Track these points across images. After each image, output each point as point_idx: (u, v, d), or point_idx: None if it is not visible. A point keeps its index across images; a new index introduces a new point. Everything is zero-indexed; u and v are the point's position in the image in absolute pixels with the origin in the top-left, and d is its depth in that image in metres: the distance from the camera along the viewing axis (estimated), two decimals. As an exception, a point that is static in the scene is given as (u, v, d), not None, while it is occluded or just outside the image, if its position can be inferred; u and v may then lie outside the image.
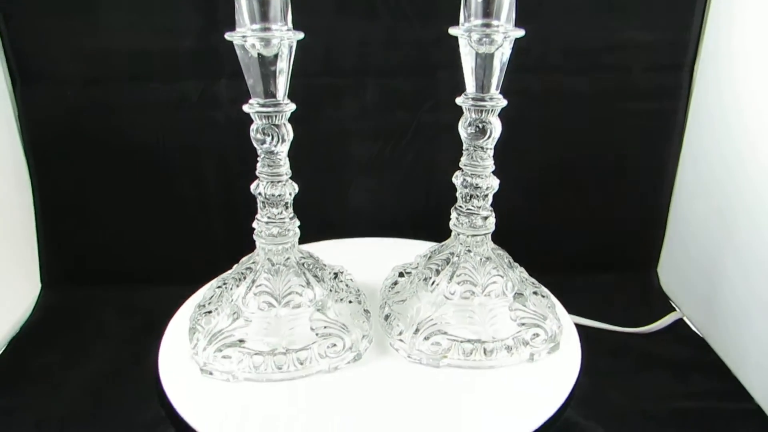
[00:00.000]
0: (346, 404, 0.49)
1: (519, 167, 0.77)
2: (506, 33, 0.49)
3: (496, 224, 0.56)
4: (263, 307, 0.53)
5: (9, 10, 0.70)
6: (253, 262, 0.55)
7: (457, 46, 0.51)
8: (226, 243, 0.81)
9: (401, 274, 0.62)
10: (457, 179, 0.56)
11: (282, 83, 0.50)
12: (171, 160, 0.77)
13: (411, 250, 0.66)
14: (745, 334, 0.65)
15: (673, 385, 0.65)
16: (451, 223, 0.57)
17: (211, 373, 0.52)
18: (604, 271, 0.84)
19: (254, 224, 0.55)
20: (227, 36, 0.49)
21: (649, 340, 0.72)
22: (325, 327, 0.53)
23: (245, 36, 0.48)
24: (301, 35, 0.48)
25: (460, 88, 0.54)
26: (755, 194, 0.64)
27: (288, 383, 0.52)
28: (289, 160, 0.53)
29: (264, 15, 0.48)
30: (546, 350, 0.55)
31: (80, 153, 0.77)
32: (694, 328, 0.75)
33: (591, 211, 0.84)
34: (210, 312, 0.56)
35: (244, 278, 0.55)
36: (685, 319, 0.77)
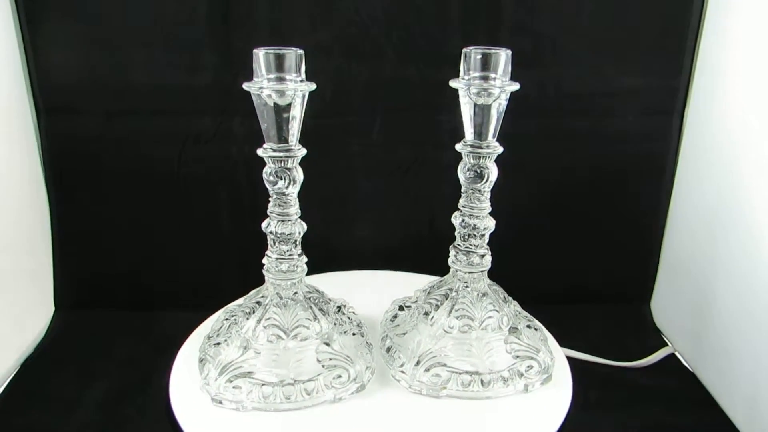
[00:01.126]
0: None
1: (514, 205, 0.80)
2: (502, 87, 0.54)
3: (492, 258, 0.59)
4: (272, 339, 0.56)
5: (35, 45, 0.75)
6: (262, 296, 0.58)
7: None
8: (235, 272, 0.84)
9: (401, 308, 0.65)
10: (456, 219, 0.59)
11: (294, 129, 0.54)
12: (185, 192, 0.81)
13: (409, 282, 0.69)
14: (733, 369, 0.66)
15: (662, 417, 0.66)
16: (449, 260, 0.60)
17: (221, 402, 0.55)
18: (598, 305, 0.86)
19: (264, 260, 0.58)
20: (245, 86, 0.53)
21: (640, 374, 0.73)
22: (330, 359, 0.56)
23: (261, 87, 0.52)
24: (313, 86, 0.52)
25: (460, 128, 0.58)
26: (744, 233, 0.66)
27: (294, 413, 0.54)
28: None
29: (279, 67, 0.52)
30: (539, 381, 0.58)
31: (98, 183, 0.81)
32: (685, 363, 0.76)
33: (586, 248, 0.86)
34: (219, 344, 0.59)
35: (254, 312, 0.58)
36: (676, 353, 0.78)
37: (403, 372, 0.57)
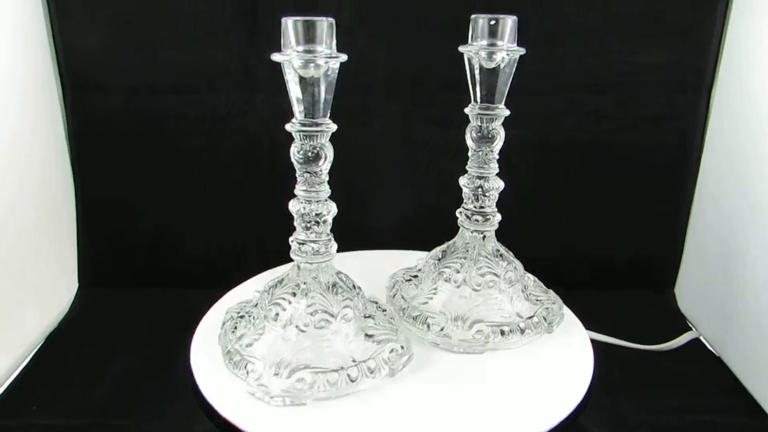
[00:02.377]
0: (419, 401, 0.52)
1: (540, 186, 0.81)
2: (509, 51, 0.57)
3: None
4: (322, 325, 0.53)
5: (62, 24, 0.76)
6: (297, 284, 0.55)
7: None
8: (255, 250, 0.84)
9: (408, 279, 0.66)
10: (464, 181, 0.62)
11: (324, 104, 0.51)
12: (207, 170, 0.82)
13: (398, 262, 0.70)
14: (760, 352, 0.65)
15: (687, 399, 0.65)
16: (459, 221, 0.63)
17: (281, 400, 0.51)
18: (623, 290, 0.85)
19: (293, 243, 0.55)
20: (273, 57, 0.50)
21: (664, 358, 0.73)
22: (380, 333, 0.55)
23: (290, 58, 0.49)
24: (344, 57, 0.50)
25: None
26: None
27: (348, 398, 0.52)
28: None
29: (309, 37, 0.49)
30: (557, 322, 0.63)
31: (122, 160, 0.81)
32: (710, 347, 0.75)
33: (611, 232, 0.85)
34: (251, 344, 0.54)
35: (290, 300, 0.54)
36: (701, 338, 0.77)
37: (445, 336, 0.58)
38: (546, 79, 0.74)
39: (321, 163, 0.53)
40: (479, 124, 0.60)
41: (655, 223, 0.83)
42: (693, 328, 0.78)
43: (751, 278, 0.66)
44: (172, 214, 0.83)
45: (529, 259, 0.66)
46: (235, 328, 0.57)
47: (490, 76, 0.58)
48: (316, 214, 0.54)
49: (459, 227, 0.63)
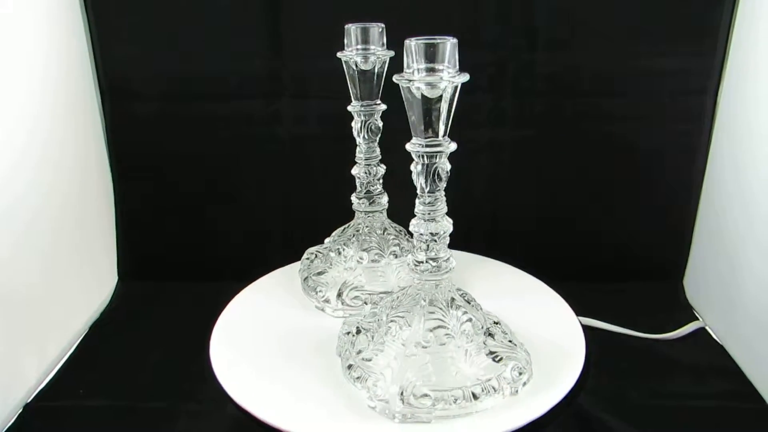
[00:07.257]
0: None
1: (547, 179, 0.85)
2: (379, 55, 0.64)
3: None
4: (444, 341, 0.55)
5: (102, 37, 0.82)
6: (416, 301, 0.55)
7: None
8: (281, 246, 0.90)
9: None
10: (357, 170, 0.68)
11: (444, 122, 0.52)
12: (237, 170, 0.88)
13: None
14: (763, 343, 0.66)
15: (690, 387, 0.67)
16: (354, 206, 0.70)
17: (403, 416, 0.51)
18: (630, 282, 0.86)
19: (412, 262, 0.55)
20: (395, 79, 0.50)
21: (669, 347, 0.74)
22: (501, 351, 0.55)
23: (411, 80, 0.50)
24: (466, 77, 0.49)
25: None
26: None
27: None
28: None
29: (431, 57, 0.50)
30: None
31: (156, 162, 0.88)
32: (715, 337, 0.75)
33: (619, 226, 0.87)
34: (371, 359, 0.55)
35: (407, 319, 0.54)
36: (707, 328, 0.77)
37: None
38: (556, 81, 0.76)
39: (442, 182, 0.53)
40: (364, 119, 0.65)
41: (663, 216, 0.86)
42: (700, 319, 0.79)
43: (758, 269, 0.68)
44: (204, 212, 0.90)
45: (536, 251, 0.74)
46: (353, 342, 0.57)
47: (367, 76, 0.63)
48: (434, 233, 0.54)
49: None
